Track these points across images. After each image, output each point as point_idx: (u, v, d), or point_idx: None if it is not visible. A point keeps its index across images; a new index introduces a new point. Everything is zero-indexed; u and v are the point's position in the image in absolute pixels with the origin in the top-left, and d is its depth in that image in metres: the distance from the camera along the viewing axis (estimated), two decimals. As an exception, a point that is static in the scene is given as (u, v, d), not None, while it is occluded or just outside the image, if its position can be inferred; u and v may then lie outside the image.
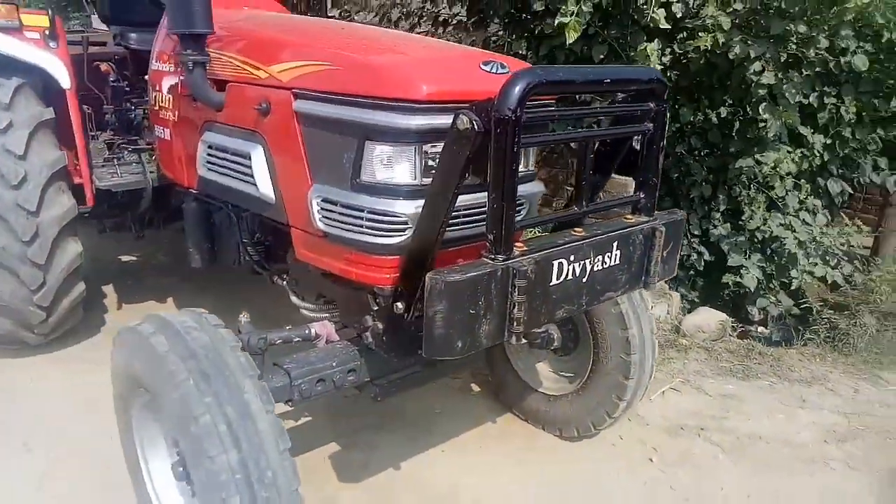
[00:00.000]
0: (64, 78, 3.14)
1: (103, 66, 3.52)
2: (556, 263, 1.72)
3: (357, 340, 2.27)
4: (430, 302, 1.56)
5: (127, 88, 3.61)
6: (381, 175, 1.91)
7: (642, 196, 1.98)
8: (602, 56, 4.41)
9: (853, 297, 4.81)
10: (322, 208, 2.03)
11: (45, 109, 3.12)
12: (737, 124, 4.59)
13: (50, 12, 3.15)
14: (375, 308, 2.10)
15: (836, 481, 2.79)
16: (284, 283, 2.61)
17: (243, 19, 2.48)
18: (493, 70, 1.97)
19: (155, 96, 2.90)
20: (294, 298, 2.52)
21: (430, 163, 1.92)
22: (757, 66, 3.99)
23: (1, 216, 2.96)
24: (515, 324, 1.65)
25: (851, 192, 5.03)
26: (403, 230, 1.92)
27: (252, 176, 2.28)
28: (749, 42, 4.00)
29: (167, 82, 2.79)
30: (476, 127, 1.56)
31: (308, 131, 2.06)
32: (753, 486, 2.74)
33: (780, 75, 4.11)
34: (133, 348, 1.85)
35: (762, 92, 4.17)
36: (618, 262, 1.90)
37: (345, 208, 1.97)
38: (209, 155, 2.54)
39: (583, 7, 3.72)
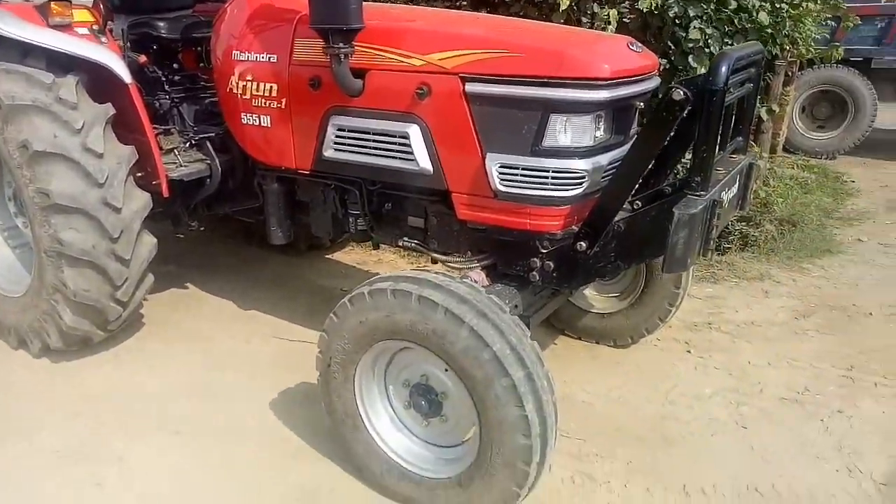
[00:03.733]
0: (124, 72, 3.13)
1: (141, 58, 3.46)
2: (722, 194, 2.31)
3: (509, 281, 2.72)
4: (676, 230, 2.08)
5: (162, 78, 3.59)
6: (563, 141, 2.36)
7: (740, 139, 2.62)
8: (561, 21, 5.03)
9: (754, 209, 5.96)
10: (501, 173, 2.44)
11: (107, 105, 3.10)
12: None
13: (100, 6, 3.11)
14: (544, 251, 2.56)
15: (820, 345, 3.74)
16: (414, 243, 2.96)
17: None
18: (636, 49, 2.49)
19: (242, 86, 3.02)
20: (435, 255, 2.89)
21: (600, 128, 2.41)
22: (696, 22, 4.82)
23: (91, 215, 2.96)
24: (711, 242, 2.24)
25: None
26: (581, 184, 2.41)
27: (409, 153, 2.61)
28: (683, 3, 4.83)
29: (262, 71, 2.93)
30: (690, 97, 2.08)
31: (480, 109, 2.44)
32: (768, 355, 3.61)
33: (706, 30, 5.00)
34: (396, 304, 2.18)
35: (690, 45, 5.04)
36: (736, 191, 2.54)
37: (527, 170, 2.41)
38: (339, 137, 2.79)
39: (568, -20, 4.33)
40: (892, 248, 5.33)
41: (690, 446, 2.87)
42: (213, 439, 2.85)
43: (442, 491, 2.33)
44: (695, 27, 4.88)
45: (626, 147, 2.62)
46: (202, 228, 3.94)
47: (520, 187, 2.44)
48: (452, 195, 2.62)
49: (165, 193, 3.24)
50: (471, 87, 2.42)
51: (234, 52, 3.03)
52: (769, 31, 5.43)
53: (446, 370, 2.23)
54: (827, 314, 4.13)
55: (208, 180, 3.43)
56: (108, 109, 3.09)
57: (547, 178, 2.39)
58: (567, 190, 2.41)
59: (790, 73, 6.96)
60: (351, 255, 4.93)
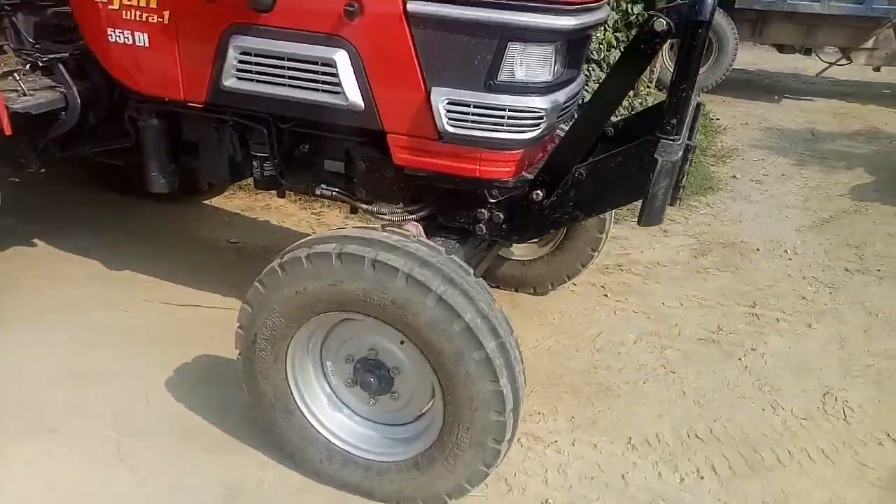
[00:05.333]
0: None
1: (-48, -51, 2.63)
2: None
3: (448, 234, 2.44)
4: (658, 179, 1.88)
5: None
6: (520, 74, 2.07)
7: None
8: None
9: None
10: (449, 110, 2.11)
11: None
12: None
13: None
14: (493, 200, 2.30)
15: (721, 282, 3.85)
16: (334, 192, 2.56)
17: None
18: (598, -27, 2.21)
19: (110, -7, 2.39)
20: (363, 206, 2.52)
21: (559, 60, 2.14)
22: None
23: None
24: (682, 190, 2.07)
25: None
26: (539, 124, 2.14)
27: (336, 84, 2.18)
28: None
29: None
30: (673, 28, 1.85)
31: (425, 34, 2.06)
32: (679, 296, 3.66)
33: None
34: (344, 270, 1.81)
35: None
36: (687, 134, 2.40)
37: (479, 108, 2.09)
38: (243, 63, 2.28)
39: None
40: (763, 185, 5.66)
41: (627, 396, 2.82)
42: (100, 434, 2.35)
43: (395, 474, 2.07)
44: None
45: (577, 83, 2.39)
46: (41, 170, 3.22)
47: (471, 128, 2.12)
48: (388, 136, 2.25)
49: (8, 130, 2.54)
50: (414, 7, 2.03)
51: (96, -53, 2.37)
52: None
53: (402, 343, 1.93)
54: (721, 251, 4.28)
55: (63, 113, 2.75)
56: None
57: (503, 117, 2.09)
58: (524, 132, 2.13)
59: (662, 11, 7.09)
60: (233, 201, 4.36)
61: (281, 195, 2.98)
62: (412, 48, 2.09)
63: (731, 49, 8.25)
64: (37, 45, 2.80)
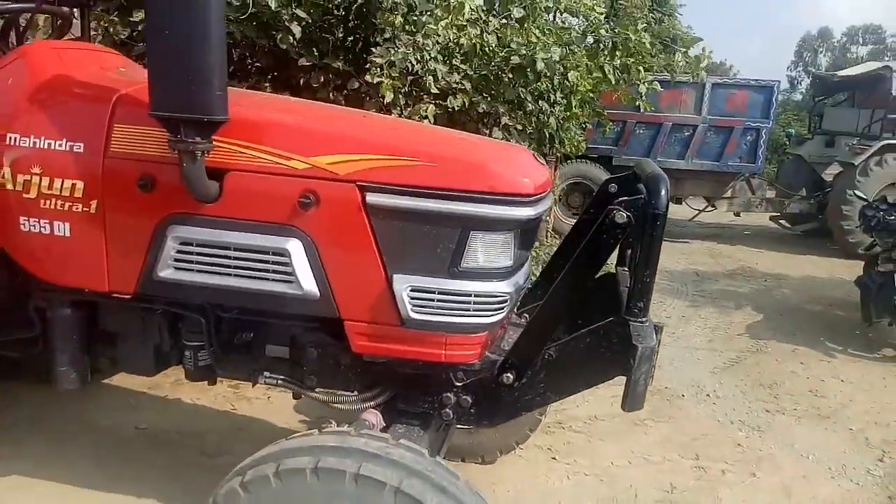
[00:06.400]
0: None
1: None
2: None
3: (409, 420, 2.29)
4: (639, 365, 1.87)
5: None
6: (483, 261, 2.06)
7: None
8: (373, 110, 4.83)
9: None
10: (413, 297, 2.04)
11: None
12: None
13: None
14: (459, 384, 2.19)
15: (661, 435, 3.86)
16: (280, 380, 2.35)
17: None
18: (540, 161, 2.31)
19: (24, 180, 2.18)
20: (312, 394, 2.31)
21: (516, 245, 2.16)
22: (506, 119, 5.02)
23: None
24: (654, 368, 2.07)
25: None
26: (503, 308, 2.11)
27: (289, 273, 2.07)
28: (491, 102, 5.02)
29: (59, 164, 2.16)
30: (633, 220, 1.93)
31: (385, 224, 2.02)
32: (625, 453, 3.60)
33: (515, 127, 5.25)
34: (322, 488, 1.60)
35: (499, 135, 5.24)
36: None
37: (444, 294, 2.04)
38: (182, 252, 2.12)
39: (393, 72, 4.16)
40: (669, 328, 5.91)
41: (601, 579, 2.64)
42: None
43: None
44: (503, 125, 5.06)
45: (527, 263, 2.43)
46: None
47: (436, 314, 2.05)
48: (346, 324, 2.12)
49: None
50: (373, 199, 2.00)
51: (8, 135, 2.20)
52: (550, 132, 5.96)
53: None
54: (651, 399, 4.21)
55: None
56: None
57: (469, 302, 2.05)
58: (490, 315, 2.09)
59: (554, 168, 7.72)
60: (138, 378, 3.91)
61: (212, 383, 2.70)
62: (372, 238, 2.03)
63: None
64: None
